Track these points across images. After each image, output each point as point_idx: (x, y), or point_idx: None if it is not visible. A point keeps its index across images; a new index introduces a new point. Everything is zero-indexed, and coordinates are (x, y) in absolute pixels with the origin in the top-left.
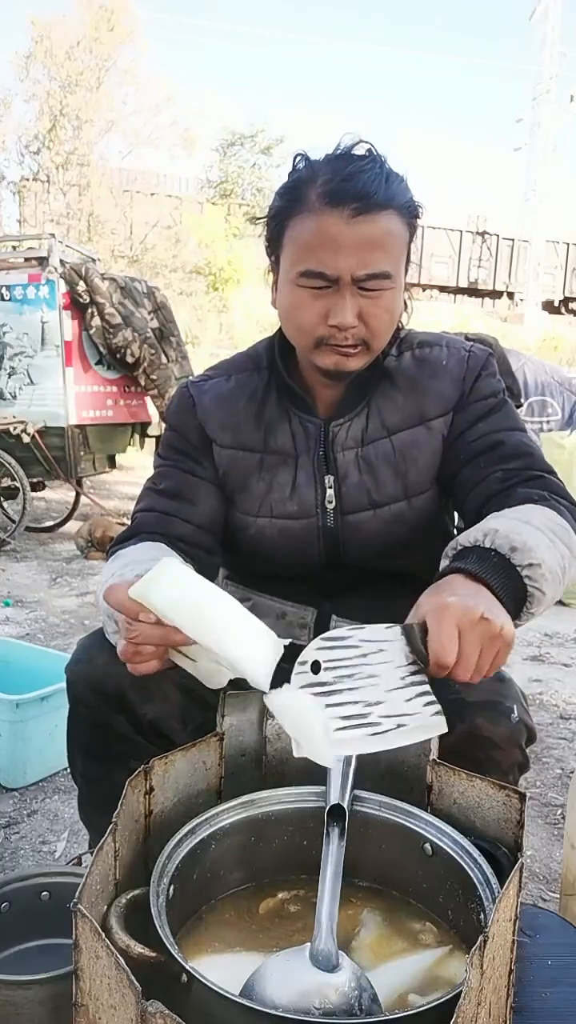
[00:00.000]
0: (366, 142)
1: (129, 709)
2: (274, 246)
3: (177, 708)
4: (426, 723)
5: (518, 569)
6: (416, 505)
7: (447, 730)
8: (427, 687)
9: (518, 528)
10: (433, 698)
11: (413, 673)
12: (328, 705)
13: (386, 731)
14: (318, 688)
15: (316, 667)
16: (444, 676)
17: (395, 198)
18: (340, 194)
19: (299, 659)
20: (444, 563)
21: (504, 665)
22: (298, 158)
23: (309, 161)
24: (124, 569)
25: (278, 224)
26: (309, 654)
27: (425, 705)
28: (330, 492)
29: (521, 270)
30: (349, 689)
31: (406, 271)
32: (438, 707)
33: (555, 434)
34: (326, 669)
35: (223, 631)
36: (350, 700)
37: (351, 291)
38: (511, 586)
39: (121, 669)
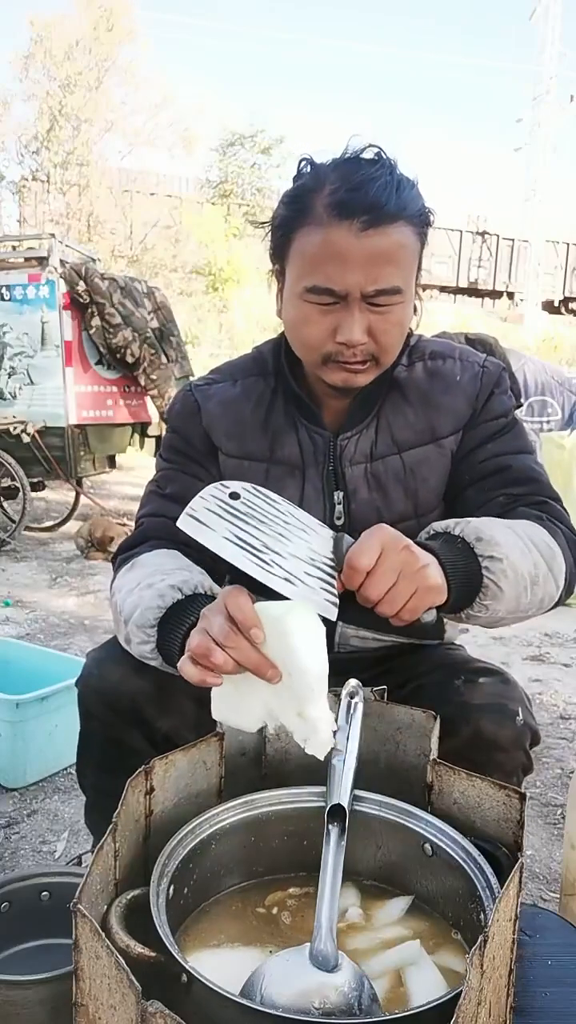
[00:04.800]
0: (375, 146)
1: (144, 723)
2: (279, 256)
3: (191, 719)
4: (315, 597)
5: (479, 558)
6: (425, 523)
7: (333, 619)
8: (332, 581)
9: (493, 525)
10: (335, 592)
11: (327, 565)
12: (224, 520)
13: (271, 572)
14: (228, 508)
15: (235, 496)
16: (356, 590)
17: (406, 208)
18: (349, 205)
19: (226, 482)
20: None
21: (428, 619)
22: (303, 163)
23: (315, 166)
24: (153, 578)
25: (283, 234)
26: (235, 485)
27: (322, 588)
28: (339, 508)
29: (521, 270)
30: (256, 528)
31: (416, 281)
32: (335, 599)
33: (555, 434)
34: (244, 503)
35: (319, 686)
36: (253, 533)
37: (360, 307)
38: (466, 571)
39: (136, 683)
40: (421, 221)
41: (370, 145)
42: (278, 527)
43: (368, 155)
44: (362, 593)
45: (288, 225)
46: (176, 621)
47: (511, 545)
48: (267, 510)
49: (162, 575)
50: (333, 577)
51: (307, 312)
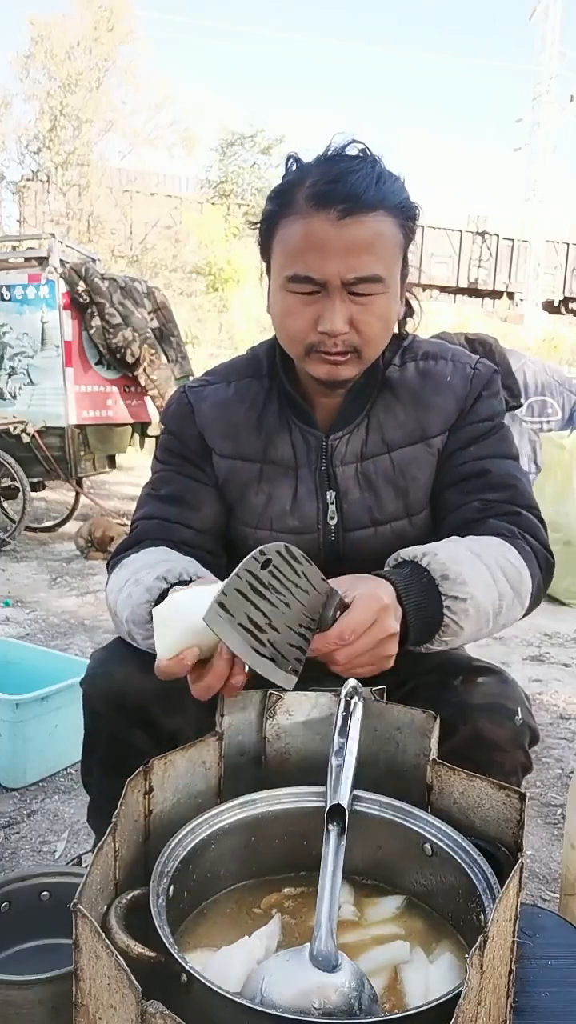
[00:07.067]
0: (359, 142)
1: (150, 723)
2: (265, 250)
3: (196, 719)
4: (282, 672)
5: (442, 597)
6: (417, 523)
7: (289, 689)
8: (305, 646)
9: (462, 558)
10: (302, 658)
11: (307, 627)
12: (248, 599)
13: (261, 655)
14: (255, 581)
15: (267, 564)
16: (320, 648)
17: (386, 199)
18: (327, 196)
19: (265, 547)
20: (385, 568)
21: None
22: (289, 160)
23: (299, 163)
24: (139, 573)
25: (268, 228)
26: (271, 551)
27: (295, 658)
28: (332, 508)
29: (521, 270)
30: (268, 601)
31: (403, 275)
32: (299, 669)
33: (555, 434)
34: (271, 572)
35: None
36: (263, 609)
37: (340, 296)
38: (428, 611)
39: (141, 682)
40: (404, 214)
41: (354, 141)
42: (287, 595)
43: (353, 151)
44: (330, 657)
45: (272, 218)
46: None
47: (477, 581)
48: (287, 576)
49: (148, 569)
50: (307, 640)
51: (290, 303)
